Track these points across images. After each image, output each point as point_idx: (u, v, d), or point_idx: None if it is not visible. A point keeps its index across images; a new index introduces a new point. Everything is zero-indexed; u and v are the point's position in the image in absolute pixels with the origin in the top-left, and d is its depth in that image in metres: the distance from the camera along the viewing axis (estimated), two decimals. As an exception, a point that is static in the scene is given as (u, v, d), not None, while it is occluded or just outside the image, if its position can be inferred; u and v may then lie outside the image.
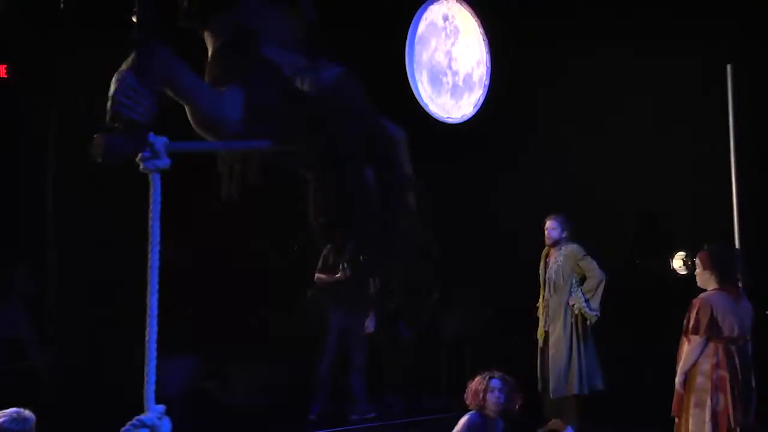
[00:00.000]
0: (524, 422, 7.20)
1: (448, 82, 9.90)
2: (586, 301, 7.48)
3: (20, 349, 8.07)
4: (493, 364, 5.86)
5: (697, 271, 5.93)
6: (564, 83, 9.33)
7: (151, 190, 2.68)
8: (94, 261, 8.01)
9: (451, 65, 9.94)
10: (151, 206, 2.66)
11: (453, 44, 9.95)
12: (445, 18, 9.89)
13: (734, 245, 7.00)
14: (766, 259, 7.86)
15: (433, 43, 9.75)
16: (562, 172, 9.33)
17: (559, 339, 7.52)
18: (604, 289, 7.49)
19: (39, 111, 7.95)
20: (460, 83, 10.00)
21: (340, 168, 2.85)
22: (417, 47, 9.54)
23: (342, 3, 8.37)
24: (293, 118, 2.81)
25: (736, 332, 5.69)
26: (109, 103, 2.53)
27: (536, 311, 7.76)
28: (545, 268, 7.72)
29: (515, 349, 8.42)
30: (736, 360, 5.66)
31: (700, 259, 5.92)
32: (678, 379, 5.74)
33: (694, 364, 5.68)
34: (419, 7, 9.56)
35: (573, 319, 7.53)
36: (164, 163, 2.67)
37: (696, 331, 5.67)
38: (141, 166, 2.67)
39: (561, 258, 7.61)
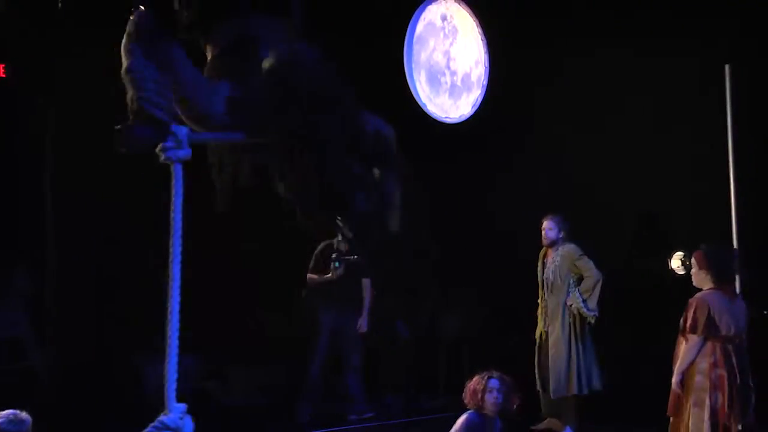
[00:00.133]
0: (522, 421, 7.23)
1: (446, 82, 9.91)
2: (584, 301, 7.49)
3: (19, 349, 8.08)
4: (492, 364, 5.86)
5: (693, 270, 5.94)
6: (562, 83, 9.34)
7: (173, 181, 2.60)
8: (93, 261, 8.02)
9: (449, 65, 9.94)
10: (173, 198, 2.59)
11: (451, 44, 9.96)
12: (444, 18, 9.89)
13: (730, 245, 7.02)
14: (764, 258, 7.88)
15: (431, 43, 9.76)
16: (560, 172, 9.34)
17: (558, 339, 7.53)
18: (602, 288, 7.51)
19: (37, 110, 7.96)
20: (459, 83, 10.00)
21: (320, 151, 2.83)
22: (415, 47, 9.54)
23: (341, 3, 8.39)
24: (281, 109, 2.80)
25: (732, 331, 5.71)
26: (131, 96, 2.50)
27: (535, 311, 7.77)
28: (543, 268, 7.73)
29: (513, 348, 8.42)
30: (734, 359, 5.67)
31: (695, 258, 5.94)
32: (675, 379, 5.75)
33: (692, 364, 5.69)
34: (417, 7, 9.57)
35: (571, 319, 7.54)
36: (186, 153, 2.62)
37: (693, 331, 5.68)
38: (162, 157, 2.60)
39: (558, 258, 7.62)
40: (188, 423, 2.57)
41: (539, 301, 7.76)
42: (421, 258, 9.20)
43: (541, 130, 9.50)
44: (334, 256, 8.25)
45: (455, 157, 9.56)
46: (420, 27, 9.61)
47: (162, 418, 2.52)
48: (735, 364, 5.66)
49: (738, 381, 5.65)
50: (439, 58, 9.84)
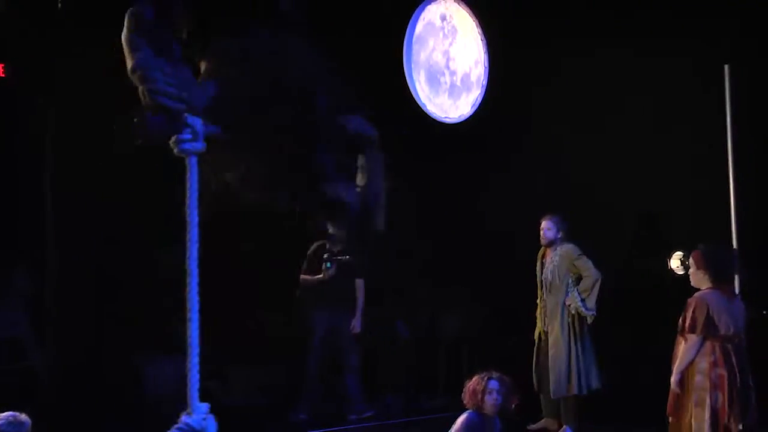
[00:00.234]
0: (520, 421, 7.24)
1: (445, 82, 9.91)
2: (582, 300, 7.50)
3: (19, 349, 8.08)
4: (491, 364, 5.88)
5: (691, 270, 5.95)
6: (561, 83, 9.34)
7: (188, 175, 2.55)
8: (93, 261, 8.02)
9: (448, 65, 9.95)
10: (188, 193, 2.54)
11: (451, 44, 9.96)
12: (443, 18, 9.90)
13: (729, 245, 7.02)
14: (763, 258, 7.88)
15: (430, 42, 9.77)
16: (560, 172, 9.35)
17: (558, 339, 7.54)
18: (600, 288, 7.51)
19: (37, 110, 7.95)
20: (458, 83, 10.01)
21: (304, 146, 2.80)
22: (415, 47, 9.55)
23: (340, 3, 8.39)
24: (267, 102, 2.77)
25: (731, 331, 5.71)
26: (141, 90, 2.44)
27: (534, 311, 7.78)
28: (541, 268, 7.74)
29: (513, 348, 8.43)
30: (733, 359, 5.68)
31: (693, 258, 5.95)
32: (674, 378, 5.75)
33: (692, 363, 5.69)
34: (417, 7, 9.57)
35: (570, 319, 7.54)
36: (202, 145, 2.58)
37: (693, 330, 5.69)
38: (176, 150, 2.54)
39: (557, 258, 7.63)
40: (211, 422, 2.53)
41: (538, 301, 7.77)
42: (405, 257, 9.23)
43: (541, 130, 9.51)
44: (325, 256, 8.28)
45: (455, 157, 9.57)
46: (419, 27, 9.62)
47: (186, 419, 2.47)
48: (735, 364, 5.66)
49: (738, 381, 5.65)
50: (438, 58, 9.85)
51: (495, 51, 10.04)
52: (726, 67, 7.39)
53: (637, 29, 9.14)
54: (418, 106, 9.52)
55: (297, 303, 8.59)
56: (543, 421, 7.78)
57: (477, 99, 10.05)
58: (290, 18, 2.97)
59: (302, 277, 8.48)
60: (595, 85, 9.14)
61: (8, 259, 8.07)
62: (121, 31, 2.66)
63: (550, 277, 7.63)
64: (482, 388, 5.59)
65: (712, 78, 7.55)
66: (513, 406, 5.73)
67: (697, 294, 5.81)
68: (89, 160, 7.60)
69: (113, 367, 7.96)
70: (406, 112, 9.32)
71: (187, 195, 2.51)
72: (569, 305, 7.53)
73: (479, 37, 10.11)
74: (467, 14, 10.05)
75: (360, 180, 3.06)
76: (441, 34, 9.87)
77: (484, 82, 10.07)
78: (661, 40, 8.98)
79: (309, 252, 8.43)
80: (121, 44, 2.66)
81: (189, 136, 2.48)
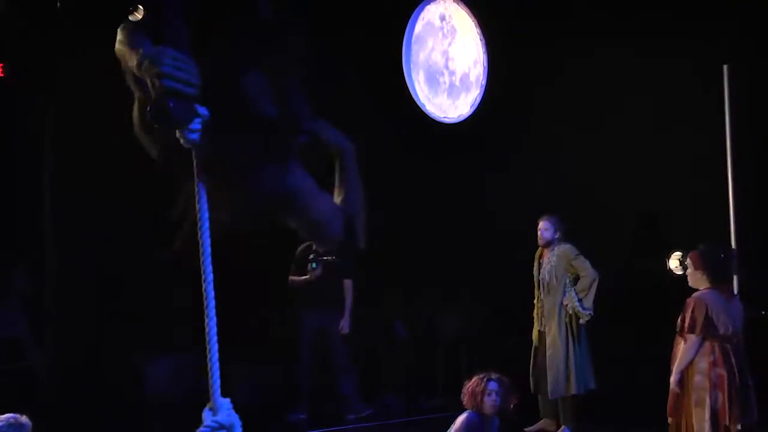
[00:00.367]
0: (519, 421, 7.24)
1: (444, 82, 9.91)
2: (580, 300, 7.50)
3: (19, 349, 8.08)
4: (490, 364, 5.89)
5: (689, 271, 5.97)
6: (560, 83, 9.34)
7: (196, 166, 2.48)
8: (92, 261, 8.02)
9: (448, 65, 9.95)
10: (197, 187, 2.47)
11: (450, 44, 9.97)
12: (442, 18, 9.90)
13: (727, 245, 7.02)
14: (761, 258, 7.89)
15: (430, 42, 9.77)
16: (559, 172, 9.34)
17: (555, 339, 7.54)
18: (598, 288, 7.52)
19: (36, 110, 7.96)
20: (457, 83, 10.01)
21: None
22: (414, 47, 9.55)
23: (339, 3, 8.39)
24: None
25: (730, 330, 5.73)
26: (151, 81, 2.38)
27: (533, 311, 7.78)
28: (539, 268, 7.75)
29: (512, 349, 8.43)
30: (733, 359, 5.69)
31: (691, 259, 5.96)
32: (673, 379, 5.76)
33: (691, 363, 5.70)
34: (416, 7, 9.57)
35: (567, 319, 7.55)
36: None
37: (692, 330, 5.70)
38: (184, 140, 2.42)
39: (554, 258, 7.63)
40: (236, 418, 2.52)
41: (535, 301, 7.77)
42: (404, 257, 9.24)
43: (540, 130, 9.51)
44: (311, 257, 8.30)
45: (454, 157, 9.57)
46: (419, 27, 9.62)
47: (209, 416, 2.45)
48: (734, 364, 5.68)
49: (737, 380, 5.66)
50: (437, 58, 9.85)
51: (494, 51, 10.04)
52: (725, 67, 7.39)
53: (636, 29, 9.13)
54: (417, 106, 9.52)
55: (288, 304, 8.63)
56: (541, 422, 7.78)
57: (476, 99, 10.06)
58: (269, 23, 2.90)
59: (290, 278, 8.52)
60: (594, 85, 9.14)
61: (7, 260, 8.07)
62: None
63: (547, 277, 7.64)
64: (481, 389, 5.61)
65: (711, 78, 7.55)
66: (512, 406, 5.75)
67: (695, 294, 5.82)
68: (88, 159, 7.60)
69: (113, 367, 7.96)
70: (406, 112, 9.32)
71: (197, 191, 2.48)
72: (566, 305, 7.54)
73: (478, 37, 10.11)
74: (466, 14, 10.05)
75: (338, 193, 3.01)
76: (440, 34, 9.87)
77: (483, 82, 10.08)
78: (661, 41, 8.98)
79: (296, 253, 8.46)
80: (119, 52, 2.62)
81: (198, 126, 2.43)
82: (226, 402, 2.48)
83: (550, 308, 7.62)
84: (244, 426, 2.47)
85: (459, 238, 9.58)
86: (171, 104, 2.33)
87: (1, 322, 7.97)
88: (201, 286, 2.49)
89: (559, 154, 9.30)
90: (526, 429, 7.75)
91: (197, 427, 2.47)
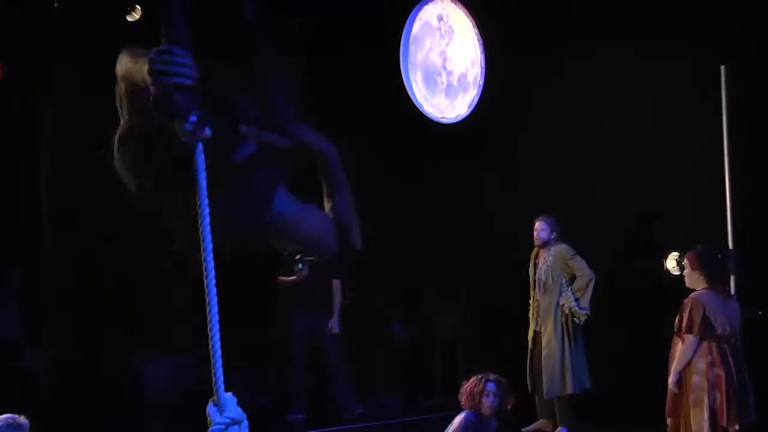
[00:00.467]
0: (516, 421, 7.24)
1: (442, 82, 9.91)
2: (576, 300, 7.51)
3: (17, 349, 8.07)
4: (487, 364, 5.89)
5: (686, 271, 5.98)
6: (558, 83, 9.33)
7: (197, 163, 2.45)
8: (90, 261, 8.01)
9: (445, 65, 9.95)
10: (198, 181, 2.45)
11: (447, 44, 9.96)
12: (440, 18, 9.90)
13: (724, 245, 7.03)
14: (759, 259, 7.89)
15: (427, 43, 9.76)
16: (557, 172, 9.34)
17: (551, 339, 7.55)
18: (595, 288, 7.53)
19: (34, 110, 7.95)
20: (455, 83, 10.01)
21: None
22: (411, 47, 9.55)
23: (338, 3, 8.39)
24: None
25: (728, 331, 5.74)
26: (155, 72, 2.38)
27: (528, 311, 7.79)
28: (534, 268, 7.76)
29: (508, 349, 8.43)
30: (730, 359, 5.70)
31: (688, 259, 5.97)
32: (672, 379, 5.77)
33: (689, 364, 5.71)
34: (414, 7, 9.57)
35: (563, 319, 7.56)
36: (209, 131, 2.53)
37: (690, 330, 5.70)
38: (183, 134, 2.46)
39: (550, 258, 7.64)
40: (241, 412, 2.52)
41: (531, 301, 7.78)
42: (402, 257, 9.24)
43: (538, 130, 9.51)
44: (297, 257, 8.30)
45: (451, 158, 9.57)
46: (416, 27, 9.61)
47: (227, 414, 2.44)
48: (732, 364, 5.69)
49: (735, 380, 5.67)
50: (435, 58, 9.85)
51: (492, 51, 10.04)
52: (723, 67, 7.39)
53: (634, 29, 9.13)
54: (415, 106, 9.52)
55: (278, 304, 8.67)
56: (539, 422, 7.79)
57: (474, 99, 10.05)
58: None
59: (279, 278, 8.53)
60: (592, 85, 9.13)
61: (5, 260, 8.07)
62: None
63: (543, 277, 7.64)
64: (479, 390, 5.63)
65: (709, 79, 7.55)
66: (509, 406, 5.76)
67: (692, 294, 5.83)
68: (86, 159, 7.58)
69: (112, 367, 7.95)
70: (403, 113, 9.32)
71: (198, 186, 2.48)
72: (563, 305, 7.55)
73: (476, 37, 10.10)
74: (464, 14, 10.05)
75: (327, 200, 2.99)
76: (438, 35, 9.87)
77: (481, 83, 10.07)
78: (659, 41, 8.97)
79: (285, 253, 8.44)
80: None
81: (195, 119, 2.43)
82: (231, 396, 2.48)
83: (546, 308, 7.62)
84: (249, 426, 2.46)
85: (456, 238, 9.58)
86: (175, 96, 2.35)
87: (-1, 322, 7.98)
88: (200, 286, 2.48)
89: (557, 155, 9.30)
90: (523, 429, 7.76)
91: (197, 426, 2.46)
